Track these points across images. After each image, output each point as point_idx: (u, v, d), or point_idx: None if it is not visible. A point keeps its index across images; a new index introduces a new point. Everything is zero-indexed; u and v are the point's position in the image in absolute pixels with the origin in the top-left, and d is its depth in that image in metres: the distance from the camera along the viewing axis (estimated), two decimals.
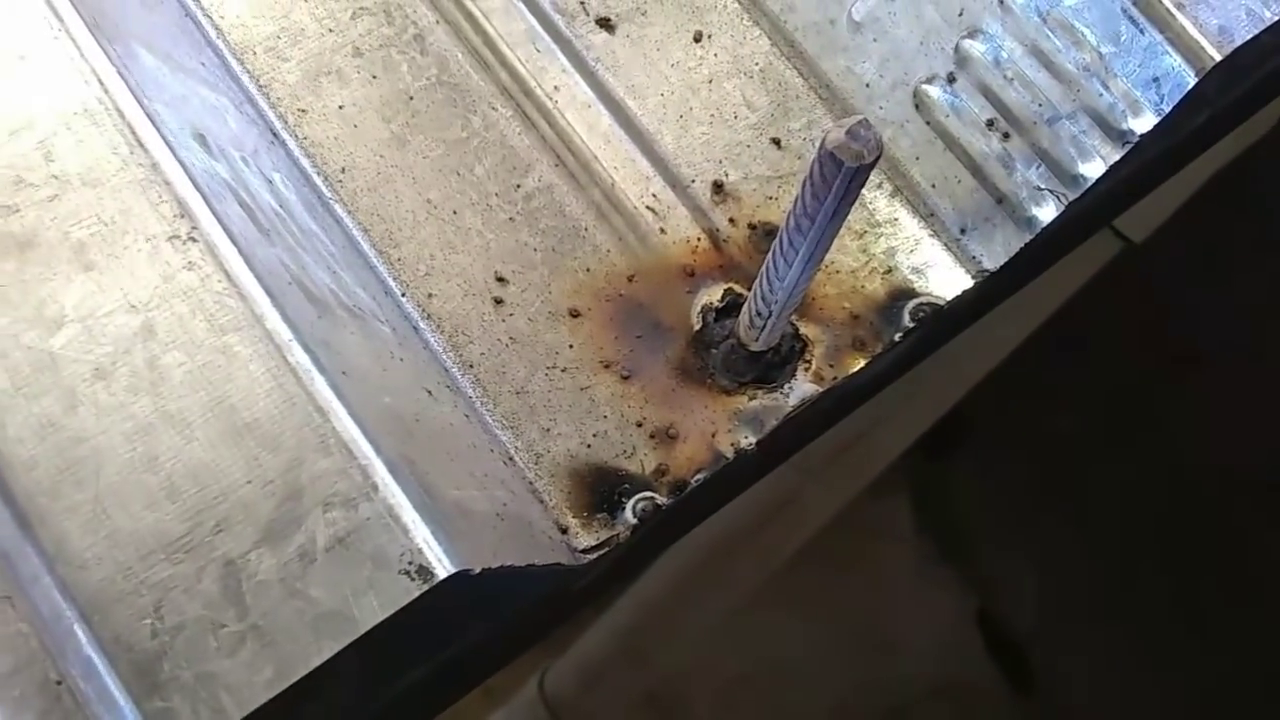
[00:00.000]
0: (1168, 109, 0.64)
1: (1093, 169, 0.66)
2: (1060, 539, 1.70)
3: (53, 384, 0.49)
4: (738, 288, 0.67)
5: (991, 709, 1.69)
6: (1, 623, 0.47)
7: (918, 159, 0.69)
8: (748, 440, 0.64)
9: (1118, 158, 0.65)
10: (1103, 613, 1.69)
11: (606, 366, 0.65)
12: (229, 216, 0.53)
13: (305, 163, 0.66)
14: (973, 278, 0.68)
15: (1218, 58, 0.64)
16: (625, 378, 0.65)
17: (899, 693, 1.68)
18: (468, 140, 0.69)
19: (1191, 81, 0.64)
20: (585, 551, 0.61)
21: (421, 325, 0.64)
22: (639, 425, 0.64)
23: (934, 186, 0.69)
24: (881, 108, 0.70)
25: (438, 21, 0.71)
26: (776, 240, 0.57)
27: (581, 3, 0.72)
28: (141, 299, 0.51)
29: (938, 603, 1.72)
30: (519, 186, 0.69)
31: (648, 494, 0.62)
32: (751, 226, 0.69)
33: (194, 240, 0.52)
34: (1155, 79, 0.65)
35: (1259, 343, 1.63)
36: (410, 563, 0.48)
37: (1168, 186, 0.84)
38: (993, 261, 0.68)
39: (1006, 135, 0.68)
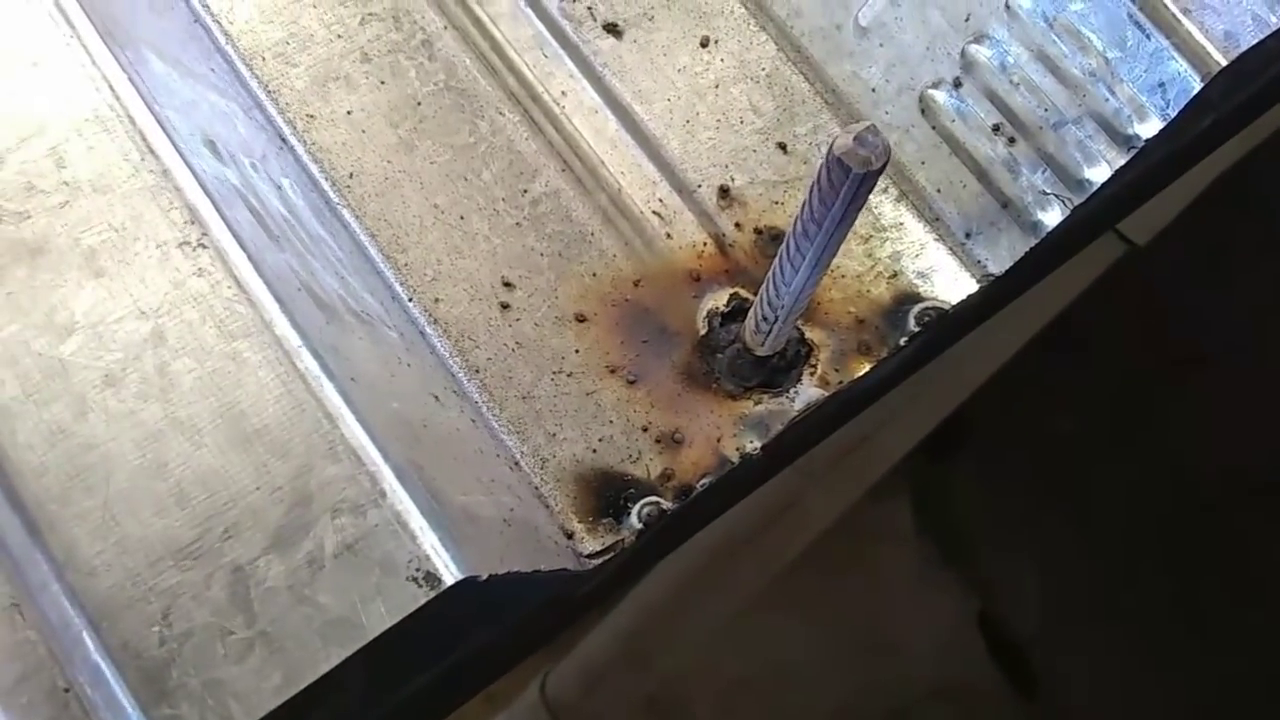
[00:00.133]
0: (1173, 114, 0.64)
1: (1098, 174, 0.66)
2: (1062, 540, 1.70)
3: (63, 390, 0.50)
4: (743, 292, 0.67)
5: (993, 711, 1.69)
6: (10, 629, 0.47)
7: (923, 163, 0.69)
8: (753, 445, 0.64)
9: (1123, 162, 0.65)
10: (1105, 614, 1.69)
11: (612, 371, 0.65)
12: (239, 223, 0.53)
13: (313, 168, 0.67)
14: (978, 282, 0.68)
15: (1223, 63, 0.64)
16: (631, 382, 0.65)
17: (900, 695, 1.68)
18: (475, 145, 0.69)
19: (1197, 87, 0.64)
20: (591, 556, 0.61)
21: (428, 330, 0.64)
22: (645, 430, 0.64)
23: (939, 191, 0.69)
24: (887, 112, 0.70)
25: (445, 27, 0.71)
26: (783, 245, 0.57)
27: (589, 8, 0.72)
28: (151, 305, 0.51)
29: (939, 605, 1.72)
30: (526, 191, 0.69)
31: (653, 499, 0.62)
32: (757, 231, 0.69)
33: (204, 246, 0.52)
34: (1161, 84, 0.65)
35: (1261, 344, 1.63)
36: (418, 569, 0.48)
37: (1171, 189, 0.84)
38: (998, 266, 0.68)
39: (1012, 140, 0.68)
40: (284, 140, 0.67)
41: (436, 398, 0.60)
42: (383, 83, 0.70)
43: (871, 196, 0.68)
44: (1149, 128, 0.65)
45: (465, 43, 0.71)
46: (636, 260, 0.68)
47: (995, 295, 0.70)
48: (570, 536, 0.61)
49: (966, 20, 0.68)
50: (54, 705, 0.47)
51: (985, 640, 1.72)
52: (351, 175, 0.67)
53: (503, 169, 0.69)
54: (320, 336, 0.53)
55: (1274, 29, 0.64)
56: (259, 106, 0.67)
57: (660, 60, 0.72)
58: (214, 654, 0.47)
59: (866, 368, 0.66)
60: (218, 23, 0.69)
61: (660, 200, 0.69)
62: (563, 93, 0.71)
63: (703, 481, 0.63)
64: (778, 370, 0.66)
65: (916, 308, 0.68)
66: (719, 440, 0.64)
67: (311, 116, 0.68)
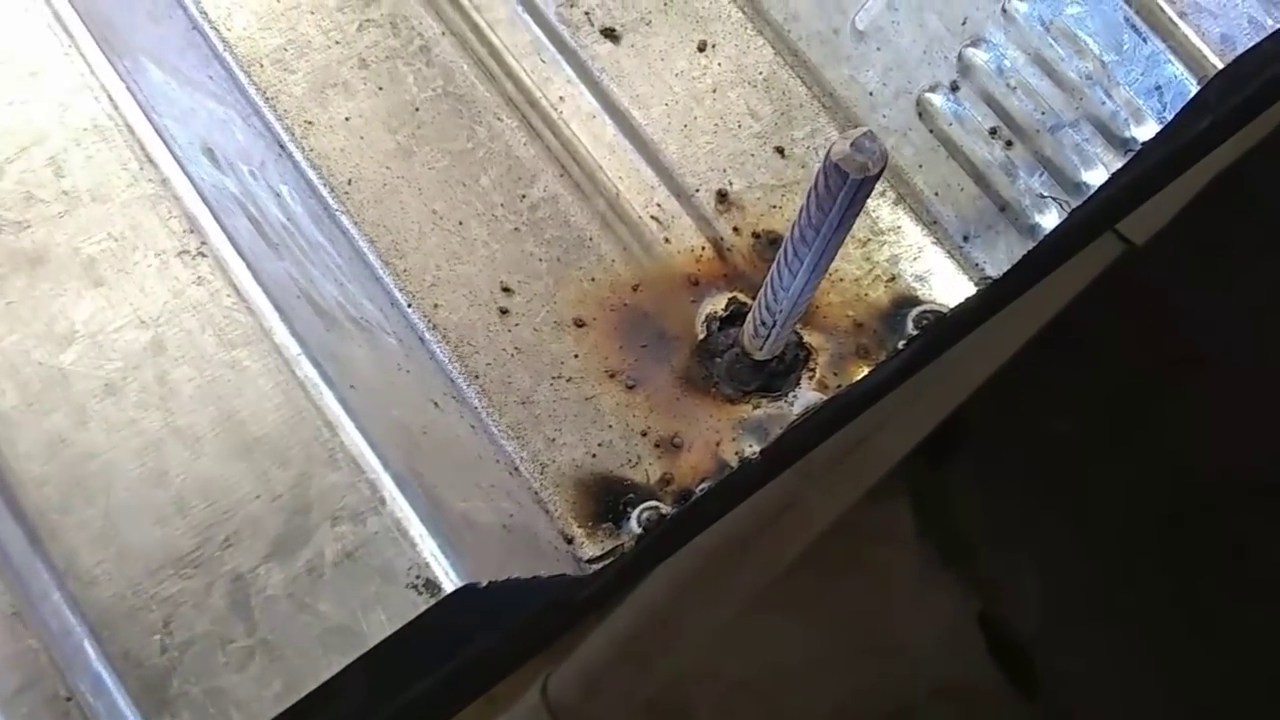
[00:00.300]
0: (1170, 117, 0.65)
1: (1095, 177, 0.66)
2: (1061, 541, 1.70)
3: (63, 400, 0.50)
4: (742, 297, 0.68)
5: (994, 711, 1.69)
6: (11, 638, 0.47)
7: (921, 167, 0.69)
8: (752, 449, 0.64)
9: (1120, 165, 0.66)
10: (1105, 614, 1.69)
11: (611, 376, 0.66)
12: (238, 231, 0.54)
13: (312, 175, 0.67)
14: (976, 285, 0.68)
15: (1220, 66, 0.64)
16: (630, 387, 0.65)
17: (901, 695, 1.68)
18: (473, 151, 0.69)
19: (1193, 90, 0.64)
20: (591, 561, 0.61)
21: (427, 336, 0.64)
22: (644, 434, 0.64)
23: (937, 194, 0.69)
24: (885, 116, 0.70)
25: (443, 33, 0.71)
26: (781, 250, 0.57)
27: (586, 13, 0.72)
28: (151, 314, 0.51)
29: (939, 605, 1.72)
30: (524, 197, 0.69)
31: (653, 503, 0.62)
32: (756, 235, 0.69)
33: (203, 255, 0.52)
34: (1158, 87, 0.65)
35: (1259, 344, 1.63)
36: (417, 576, 0.48)
37: (1169, 190, 0.85)
38: (996, 269, 0.68)
39: (1009, 143, 0.68)
40: (282, 147, 0.67)
41: (436, 404, 0.60)
42: (381, 89, 0.70)
43: (869, 200, 0.68)
44: (1146, 131, 0.65)
45: (463, 48, 0.71)
46: (635, 265, 0.68)
47: (993, 298, 0.70)
48: (570, 542, 0.61)
49: (963, 24, 0.68)
50: (55, 714, 0.47)
51: (985, 640, 1.72)
52: (350, 181, 0.67)
53: (501, 174, 0.69)
54: (319, 344, 0.53)
55: (1270, 31, 0.64)
56: (257, 113, 0.67)
57: (658, 65, 0.72)
58: (215, 662, 0.47)
59: (865, 371, 0.66)
60: (215, 30, 0.69)
61: (658, 205, 0.69)
62: (560, 98, 0.71)
63: (702, 486, 0.63)
64: (776, 374, 0.66)
65: (914, 311, 0.68)
66: (718, 444, 0.64)
67: (310, 123, 0.68)
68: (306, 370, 0.51)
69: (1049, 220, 0.67)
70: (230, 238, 0.53)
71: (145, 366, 0.50)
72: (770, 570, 1.35)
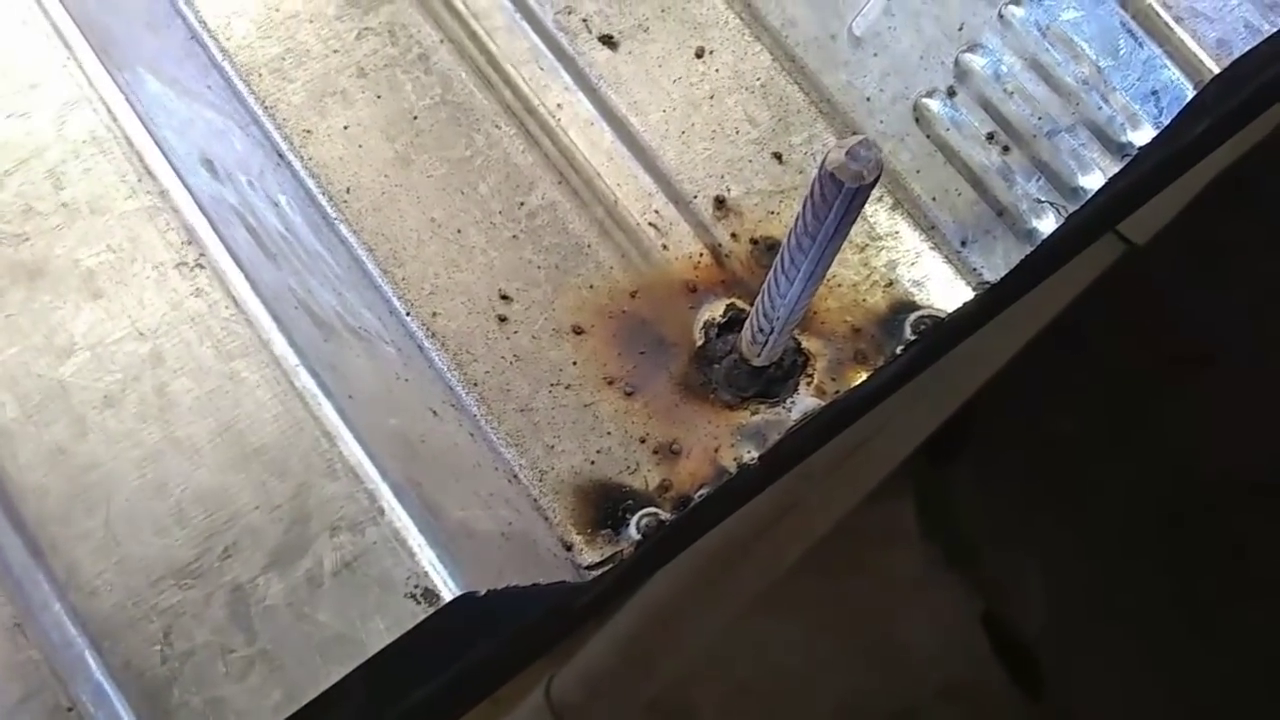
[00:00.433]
0: (1167, 122, 0.65)
1: (1092, 181, 0.66)
2: (1064, 541, 1.70)
3: (63, 412, 0.50)
4: (740, 303, 0.68)
5: (999, 711, 1.69)
6: (13, 650, 0.48)
7: (918, 172, 0.70)
8: (750, 455, 0.65)
9: (1117, 170, 0.66)
10: (1108, 614, 1.69)
11: (610, 383, 0.66)
12: (236, 242, 0.54)
13: (310, 183, 0.67)
14: (973, 290, 0.68)
15: (1216, 70, 0.64)
16: (629, 394, 0.66)
17: (906, 696, 1.68)
18: (471, 159, 0.70)
19: (1190, 94, 0.64)
20: (590, 568, 0.61)
21: (426, 344, 0.65)
22: (642, 441, 0.65)
23: (935, 199, 0.69)
24: (882, 122, 0.70)
25: (441, 41, 0.72)
26: (778, 258, 0.57)
27: (584, 20, 0.72)
28: (150, 326, 0.52)
29: (943, 606, 1.72)
30: (522, 204, 0.69)
31: (651, 510, 0.63)
32: (754, 241, 0.69)
33: (201, 267, 0.53)
34: (1154, 92, 0.65)
35: (1260, 343, 1.63)
36: (416, 586, 0.49)
37: (1169, 190, 0.85)
38: (993, 274, 0.68)
39: (1006, 148, 0.68)
40: (281, 156, 0.67)
41: (434, 412, 0.60)
42: (379, 97, 0.70)
43: (866, 205, 0.68)
44: (1142, 135, 0.65)
45: (461, 56, 0.72)
46: (633, 272, 0.68)
47: (991, 303, 0.70)
48: (569, 548, 0.62)
49: (960, 29, 0.69)
50: None
51: (990, 640, 1.72)
52: (348, 190, 0.68)
53: (499, 182, 0.69)
54: (318, 354, 0.53)
55: (1266, 36, 0.64)
56: (256, 122, 0.67)
57: (655, 71, 0.72)
58: (215, 672, 0.47)
59: (863, 377, 0.67)
60: (214, 39, 0.69)
61: (656, 211, 0.70)
62: (559, 105, 0.71)
63: (701, 492, 0.64)
64: (774, 380, 0.66)
65: (912, 316, 0.68)
66: (716, 451, 0.64)
67: (308, 132, 0.68)
68: (305, 381, 0.52)
69: (1046, 225, 0.67)
70: (229, 249, 0.53)
71: (144, 378, 0.51)
72: (772, 572, 1.36)
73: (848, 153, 0.50)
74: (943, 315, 0.68)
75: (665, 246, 0.69)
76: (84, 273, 0.52)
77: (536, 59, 0.72)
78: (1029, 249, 0.67)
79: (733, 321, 0.67)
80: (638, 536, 0.62)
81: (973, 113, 0.68)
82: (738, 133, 0.71)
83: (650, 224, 0.69)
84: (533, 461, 0.63)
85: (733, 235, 0.69)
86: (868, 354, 0.67)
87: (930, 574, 1.73)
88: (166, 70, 0.62)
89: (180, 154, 0.56)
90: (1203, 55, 0.64)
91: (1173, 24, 0.64)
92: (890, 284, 0.69)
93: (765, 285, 0.59)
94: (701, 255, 0.69)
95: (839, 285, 0.69)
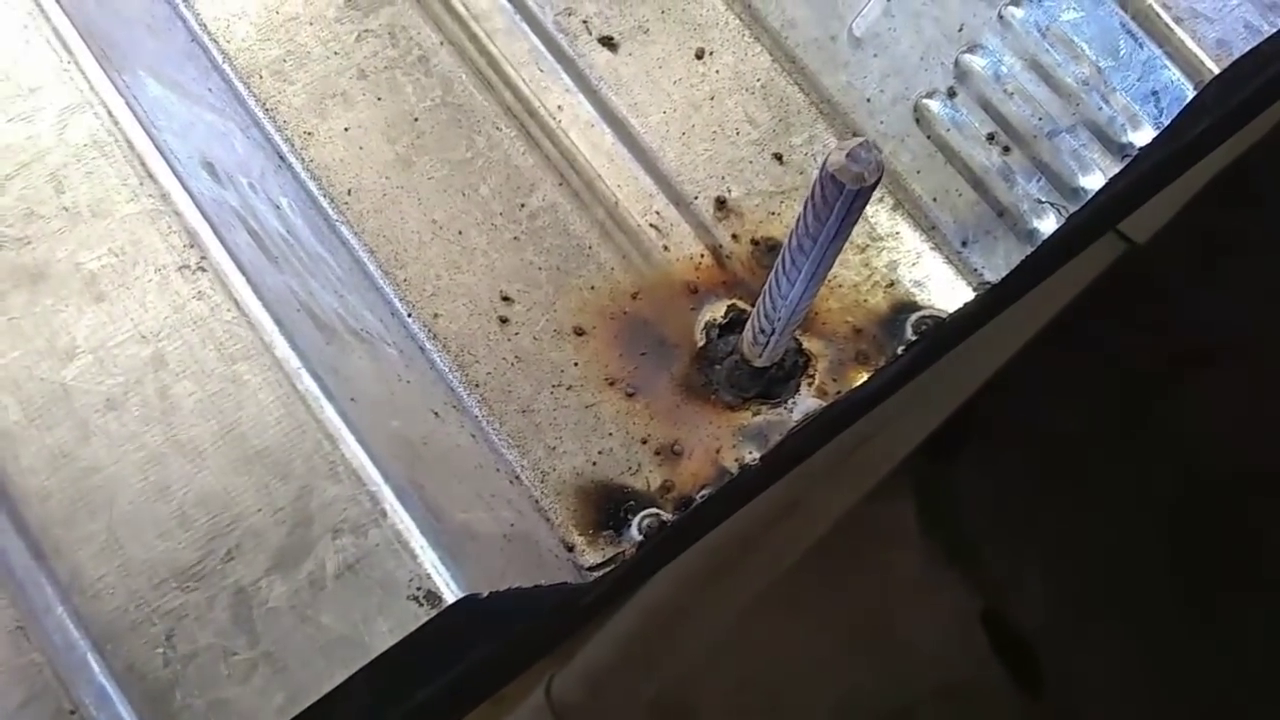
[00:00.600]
0: (1167, 122, 0.65)
1: (1093, 182, 0.66)
2: (1066, 538, 1.70)
3: (65, 415, 0.50)
4: (741, 304, 0.68)
5: (999, 709, 1.69)
6: (16, 653, 0.48)
7: (919, 173, 0.70)
8: (752, 456, 0.65)
9: (1117, 170, 0.66)
10: (1110, 612, 1.69)
11: (611, 384, 0.66)
12: (238, 245, 0.54)
13: (312, 185, 0.67)
14: (974, 290, 0.68)
15: (1216, 71, 0.64)
16: (630, 395, 0.66)
17: (905, 694, 1.68)
18: (472, 160, 0.70)
19: (1190, 95, 0.64)
20: (592, 569, 0.61)
21: (428, 346, 0.65)
22: (644, 442, 0.65)
23: (935, 200, 0.69)
24: (882, 122, 0.70)
25: (442, 43, 0.72)
26: (779, 259, 0.57)
27: (584, 22, 0.73)
28: (152, 329, 0.52)
29: (943, 604, 1.72)
30: (523, 206, 0.69)
31: (653, 510, 0.63)
32: (754, 242, 0.69)
33: (203, 270, 0.53)
34: (1154, 92, 0.65)
35: (1262, 339, 1.63)
36: (419, 588, 0.49)
37: (1170, 188, 0.85)
38: (994, 274, 0.68)
39: (1007, 149, 0.68)
40: (282, 158, 0.67)
41: (436, 414, 0.60)
42: (380, 99, 0.70)
43: (867, 206, 0.69)
44: (1142, 136, 0.65)
45: (461, 58, 0.72)
46: (634, 273, 0.68)
47: (992, 303, 0.70)
48: (571, 549, 0.62)
49: (960, 30, 0.69)
50: None
51: (990, 639, 1.72)
52: (350, 192, 0.68)
53: (500, 183, 0.69)
54: (320, 357, 0.53)
55: (1266, 36, 0.64)
56: (256, 125, 0.67)
57: (656, 73, 0.72)
58: (218, 675, 0.47)
59: (864, 377, 0.67)
60: (215, 42, 0.69)
61: (657, 213, 0.70)
62: (559, 107, 0.71)
63: (702, 493, 0.64)
64: (776, 381, 0.66)
65: (914, 316, 0.68)
66: (718, 451, 0.65)
67: (309, 134, 0.68)
68: (307, 383, 0.52)
69: (1047, 225, 0.67)
70: (230, 252, 0.53)
71: (147, 381, 0.51)
72: (773, 570, 1.36)
73: (849, 154, 0.50)
74: (944, 316, 0.68)
75: (666, 248, 0.69)
76: (86, 276, 0.52)
77: (537, 61, 0.72)
78: (1030, 249, 0.67)
79: (734, 322, 0.67)
80: (639, 537, 0.62)
81: (973, 113, 0.68)
82: (738, 134, 0.72)
83: (651, 225, 0.69)
84: (534, 463, 0.63)
85: (734, 236, 0.69)
86: (869, 354, 0.67)
87: (930, 572, 1.73)
88: (167, 73, 0.62)
89: (181, 157, 0.56)
90: (1203, 56, 0.64)
91: (1173, 24, 0.64)
92: (891, 284, 0.69)
93: (766, 286, 0.59)
94: (703, 256, 0.69)
95: (840, 286, 0.69)
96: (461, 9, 0.72)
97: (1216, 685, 1.63)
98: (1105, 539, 1.68)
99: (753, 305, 0.63)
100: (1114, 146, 0.66)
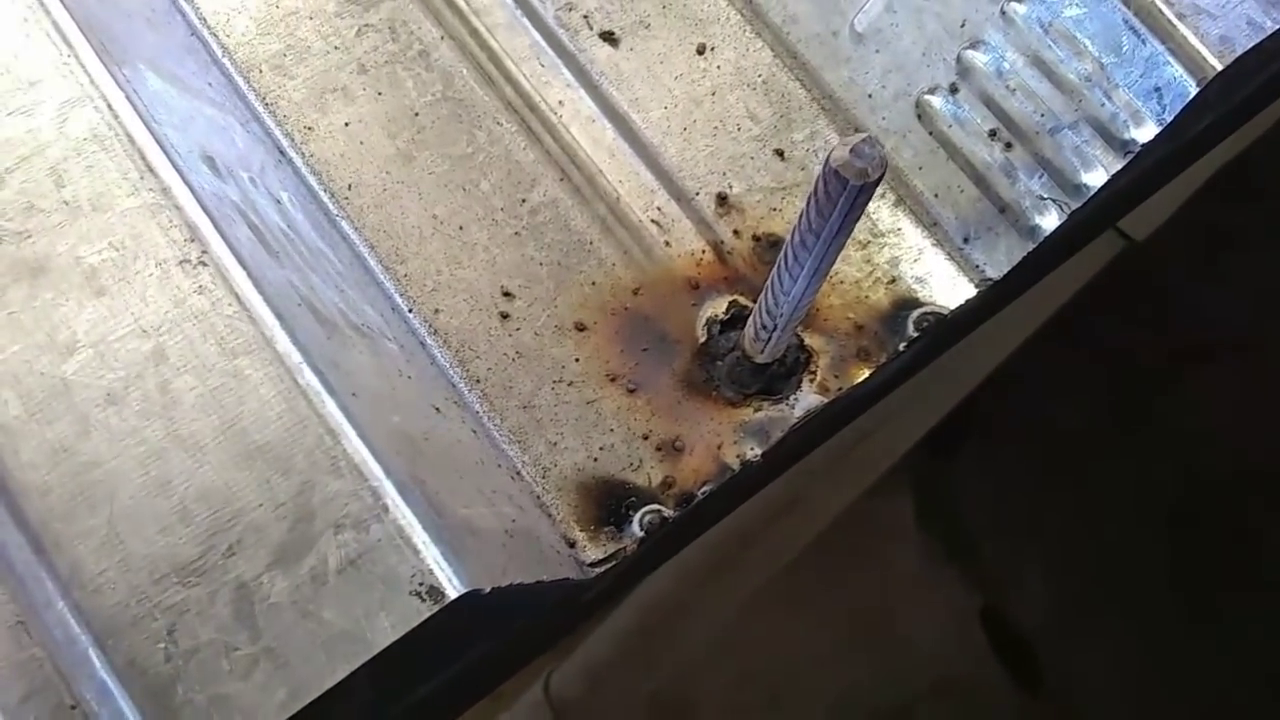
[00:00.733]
0: (1169, 119, 0.65)
1: (1095, 178, 0.66)
2: (1066, 536, 1.70)
3: (66, 409, 0.50)
4: (743, 300, 0.68)
5: (997, 706, 1.70)
6: (16, 648, 0.48)
7: (921, 169, 0.70)
8: (753, 452, 0.65)
9: (1120, 167, 0.66)
10: (1109, 609, 1.69)
11: (613, 380, 0.66)
12: (238, 239, 0.54)
13: (312, 180, 0.67)
14: (976, 287, 0.68)
15: (1219, 67, 0.64)
16: (631, 391, 0.66)
17: (904, 691, 1.68)
18: (473, 155, 0.69)
19: (1193, 91, 0.64)
20: (593, 565, 0.61)
21: (429, 341, 0.65)
22: (645, 438, 0.65)
23: (937, 196, 0.69)
24: (884, 118, 0.70)
25: (442, 38, 0.72)
26: (781, 255, 0.57)
27: (585, 17, 0.72)
28: (153, 323, 0.51)
29: (942, 601, 1.72)
30: (524, 201, 0.69)
31: (654, 506, 0.63)
32: (756, 238, 0.69)
33: (204, 264, 0.53)
34: (1157, 89, 0.65)
35: (1262, 336, 1.63)
36: (421, 583, 0.49)
37: (1170, 186, 0.85)
38: (996, 270, 0.68)
39: (1009, 145, 0.68)
40: (282, 153, 0.67)
41: (437, 409, 0.60)
42: (380, 94, 0.70)
43: (869, 202, 0.69)
44: (1145, 132, 0.65)
45: (462, 53, 0.72)
46: (635, 269, 0.68)
47: (993, 299, 0.70)
48: (572, 545, 0.62)
49: (962, 26, 0.68)
50: None
51: (988, 636, 1.72)
52: (350, 187, 0.67)
53: (501, 179, 0.69)
54: (321, 352, 0.53)
55: (1269, 32, 0.64)
56: (257, 119, 0.67)
57: (657, 68, 0.72)
58: (219, 670, 0.47)
59: (866, 373, 0.67)
60: (215, 36, 0.69)
61: (658, 208, 0.69)
62: (560, 102, 0.71)
63: (704, 489, 0.64)
64: (777, 377, 0.66)
65: (915, 313, 0.68)
66: (719, 448, 0.64)
67: (309, 128, 0.68)
68: (308, 378, 0.51)
69: (1049, 222, 0.67)
70: (231, 246, 0.53)
71: (147, 375, 0.51)
72: (773, 566, 1.36)
73: (852, 150, 0.50)
74: (945, 312, 0.68)
75: (668, 243, 0.69)
76: (86, 270, 0.52)
77: (537, 55, 0.72)
78: (1031, 246, 0.67)
79: (735, 318, 0.67)
80: (641, 533, 0.62)
81: (975, 109, 0.68)
82: (739, 129, 0.71)
83: (652, 221, 0.69)
84: (535, 459, 0.63)
85: (735, 232, 0.69)
86: (870, 351, 0.67)
87: (930, 569, 1.73)
88: (167, 67, 0.62)
89: (181, 151, 0.56)
90: (1205, 52, 0.64)
91: (1175, 21, 0.64)
92: (893, 281, 0.69)
93: (768, 282, 0.59)
94: (704, 252, 0.69)
95: (841, 282, 0.68)
96: (462, 3, 0.72)
97: (1215, 684, 1.63)
98: (1105, 537, 1.68)
99: (754, 301, 0.63)
100: (1116, 143, 0.66)
